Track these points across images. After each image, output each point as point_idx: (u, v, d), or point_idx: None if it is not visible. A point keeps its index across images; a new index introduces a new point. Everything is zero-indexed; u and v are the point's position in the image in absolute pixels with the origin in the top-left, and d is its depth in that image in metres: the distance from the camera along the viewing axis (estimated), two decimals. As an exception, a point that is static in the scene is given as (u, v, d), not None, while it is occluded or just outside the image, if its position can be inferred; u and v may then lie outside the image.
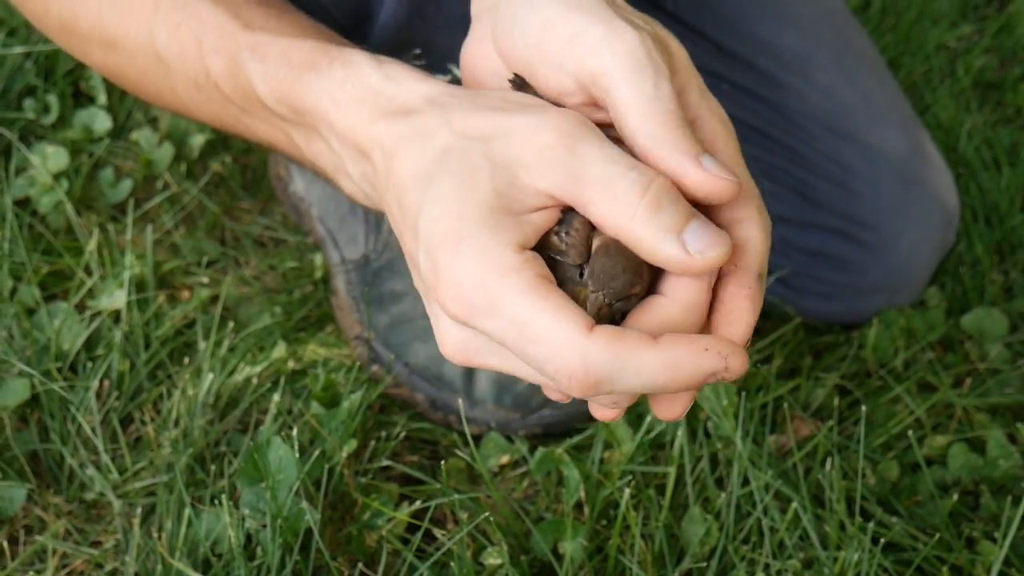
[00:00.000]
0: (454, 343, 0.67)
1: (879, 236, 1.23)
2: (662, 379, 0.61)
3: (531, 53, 0.70)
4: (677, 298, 0.64)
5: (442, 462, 1.11)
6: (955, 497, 1.07)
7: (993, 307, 1.30)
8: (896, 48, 1.67)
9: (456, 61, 1.03)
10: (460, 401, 1.15)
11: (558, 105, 0.70)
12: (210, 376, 1.14)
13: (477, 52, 0.76)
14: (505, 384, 1.17)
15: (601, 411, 0.68)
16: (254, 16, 0.83)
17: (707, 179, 0.63)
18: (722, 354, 0.61)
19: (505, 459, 1.15)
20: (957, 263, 1.36)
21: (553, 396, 0.69)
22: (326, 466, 1.04)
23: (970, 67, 1.67)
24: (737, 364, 0.62)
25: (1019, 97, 1.63)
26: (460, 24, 1.02)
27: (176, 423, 1.12)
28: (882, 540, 1.01)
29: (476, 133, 0.66)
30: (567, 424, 1.17)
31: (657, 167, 0.64)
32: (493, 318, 0.62)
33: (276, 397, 1.11)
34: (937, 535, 1.04)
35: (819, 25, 1.31)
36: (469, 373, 1.18)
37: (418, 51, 1.01)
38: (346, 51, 0.75)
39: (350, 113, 0.72)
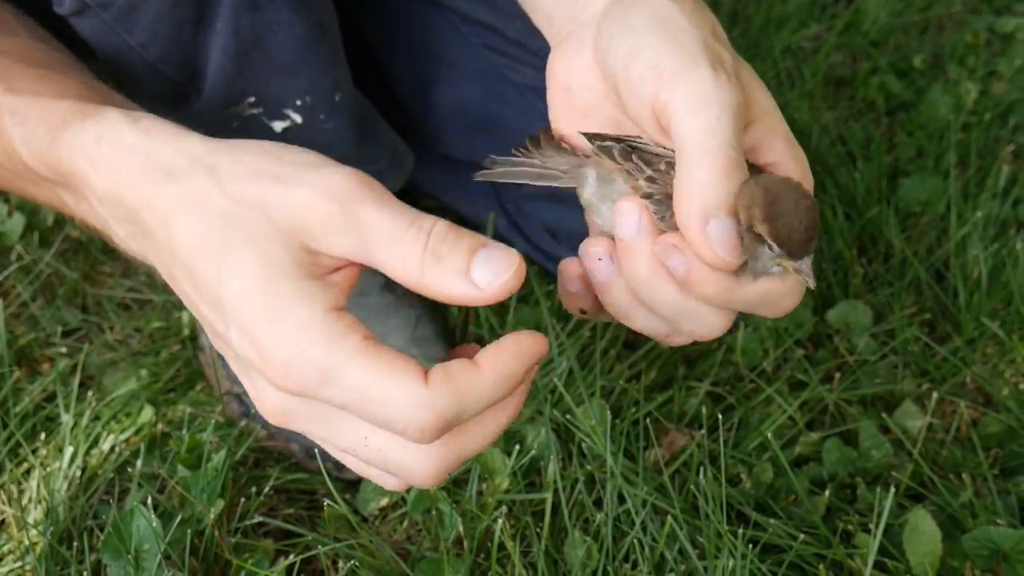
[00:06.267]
0: (273, 407, 0.66)
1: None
2: (501, 390, 0.63)
3: (619, 74, 0.71)
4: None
5: (323, 511, 1.09)
6: (827, 493, 1.08)
7: (857, 300, 1.32)
8: (746, 53, 1.70)
9: (291, 106, 1.02)
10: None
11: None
12: (70, 450, 1.10)
13: (572, 65, 0.76)
14: (378, 426, 1.15)
15: None
16: (21, 77, 0.80)
17: (701, 243, 0.65)
18: (532, 347, 0.64)
19: (384, 502, 1.13)
20: (820, 259, 1.38)
21: (384, 482, 0.68)
22: (192, 530, 1.02)
23: (819, 67, 1.70)
24: (543, 347, 0.65)
25: (870, 91, 1.67)
26: (290, 69, 1.01)
27: (40, 502, 1.09)
28: (759, 543, 1.02)
29: (252, 201, 0.65)
30: (444, 460, 1.16)
31: (677, 210, 0.66)
32: (331, 387, 0.62)
33: (139, 464, 1.09)
34: (805, 534, 1.04)
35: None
36: (341, 418, 1.17)
37: (252, 99, 1.00)
38: (102, 108, 0.73)
39: (109, 173, 0.70)
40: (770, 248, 0.66)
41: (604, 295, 0.73)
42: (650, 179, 0.70)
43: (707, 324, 0.71)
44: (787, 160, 0.72)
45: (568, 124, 0.78)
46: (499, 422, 0.66)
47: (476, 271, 0.62)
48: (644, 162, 0.71)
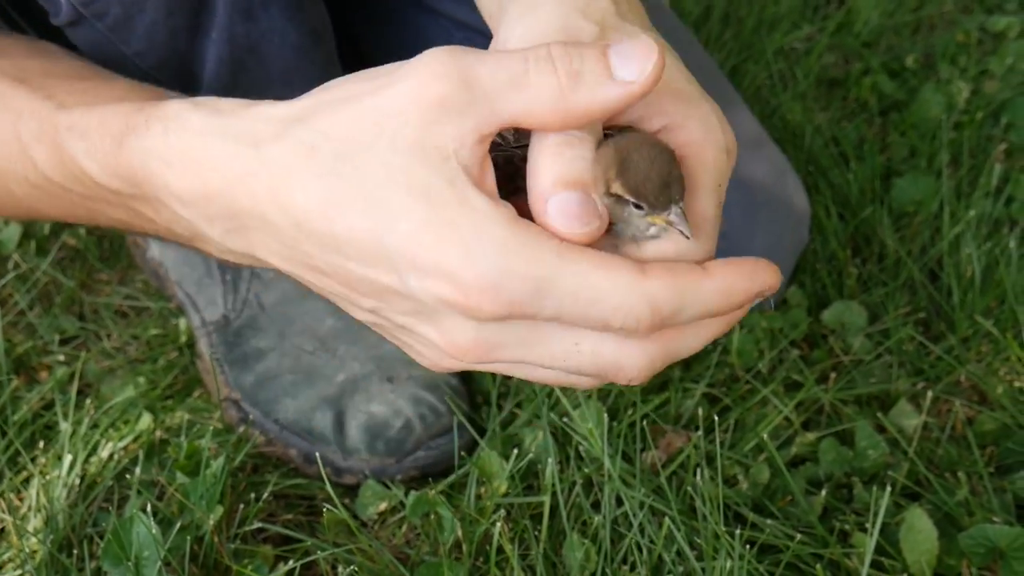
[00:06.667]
0: (472, 342, 0.62)
1: (730, 243, 1.24)
2: (719, 305, 0.61)
3: None
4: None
5: (322, 516, 1.09)
6: (824, 493, 1.09)
7: (852, 300, 1.33)
8: (739, 55, 1.71)
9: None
10: (331, 454, 1.14)
11: None
12: (69, 457, 1.11)
13: None
14: (377, 431, 1.16)
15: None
16: (69, 93, 0.78)
17: (546, 224, 0.61)
18: (766, 275, 0.62)
19: (383, 506, 1.14)
20: (814, 260, 1.38)
21: (580, 385, 0.66)
22: (191, 536, 1.02)
23: (811, 68, 1.71)
24: (776, 280, 0.63)
25: (863, 91, 1.68)
26: (285, 76, 1.02)
27: (39, 510, 1.09)
28: (757, 544, 1.02)
29: (361, 133, 0.60)
30: (443, 464, 1.16)
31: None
32: (546, 297, 0.59)
33: (137, 471, 1.09)
34: (802, 534, 1.05)
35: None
36: (340, 424, 1.17)
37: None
38: (160, 102, 0.69)
39: (187, 167, 0.65)
40: (635, 207, 0.63)
41: None
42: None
43: None
44: (680, 119, 0.66)
45: None
46: (712, 330, 0.63)
47: (619, 70, 0.59)
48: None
